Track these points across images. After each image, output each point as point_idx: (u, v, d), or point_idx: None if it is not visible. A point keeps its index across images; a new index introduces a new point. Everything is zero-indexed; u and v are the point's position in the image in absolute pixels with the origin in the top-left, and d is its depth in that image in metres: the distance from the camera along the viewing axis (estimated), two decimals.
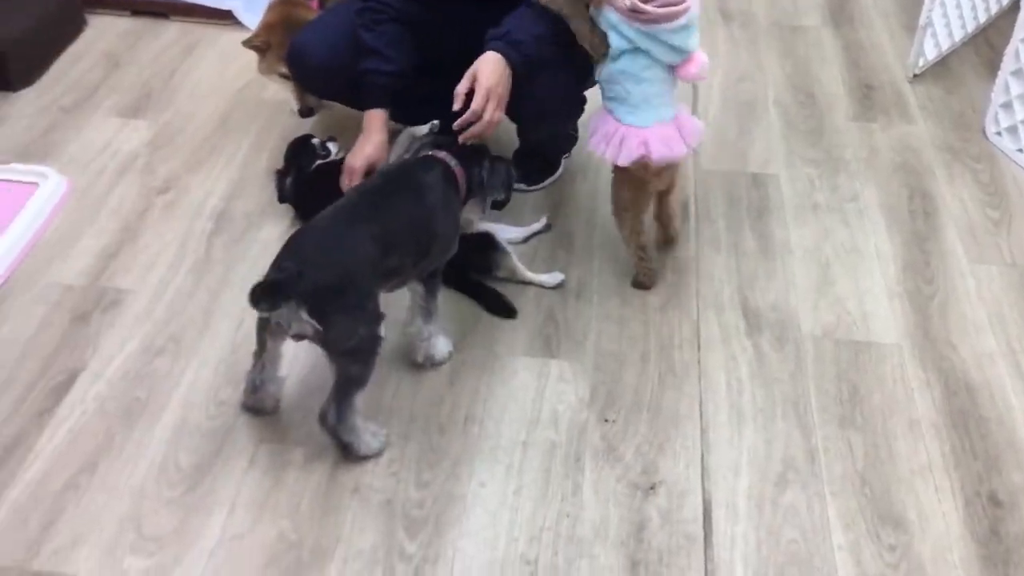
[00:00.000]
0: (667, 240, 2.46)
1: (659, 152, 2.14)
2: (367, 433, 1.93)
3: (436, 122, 2.30)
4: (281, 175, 2.48)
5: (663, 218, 2.41)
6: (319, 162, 2.45)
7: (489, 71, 2.11)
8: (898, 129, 2.92)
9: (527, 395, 2.10)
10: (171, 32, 3.29)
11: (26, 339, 2.18)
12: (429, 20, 2.29)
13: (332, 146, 2.50)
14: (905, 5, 3.51)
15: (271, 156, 2.72)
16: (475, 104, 2.09)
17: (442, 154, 2.09)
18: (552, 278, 2.37)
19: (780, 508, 1.89)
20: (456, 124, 2.13)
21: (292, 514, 1.86)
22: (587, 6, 2.11)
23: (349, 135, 2.63)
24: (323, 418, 1.89)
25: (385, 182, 2.04)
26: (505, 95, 2.13)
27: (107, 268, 2.38)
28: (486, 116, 2.11)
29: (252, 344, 2.18)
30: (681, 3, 2.06)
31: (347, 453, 1.93)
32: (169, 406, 2.06)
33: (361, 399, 1.89)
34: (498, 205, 2.27)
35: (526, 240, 2.48)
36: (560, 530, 1.85)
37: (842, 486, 1.92)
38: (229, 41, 3.22)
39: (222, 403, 2.07)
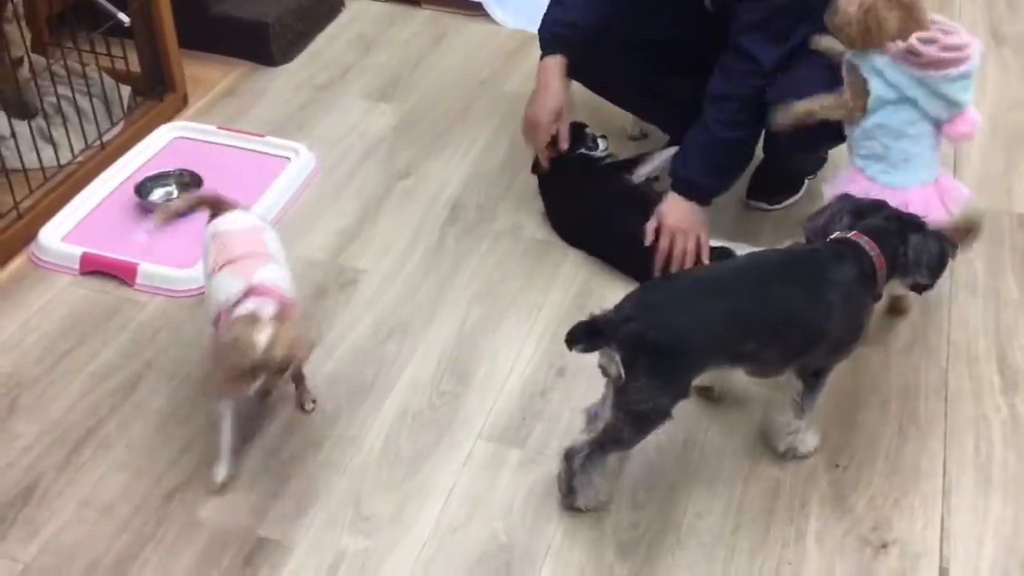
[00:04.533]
0: (893, 311, 2.20)
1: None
2: (592, 488, 1.81)
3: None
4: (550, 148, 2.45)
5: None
6: (582, 150, 2.43)
7: (672, 215, 2.22)
8: None
9: (751, 427, 2.01)
10: (421, 19, 3.36)
11: None
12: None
13: (602, 143, 2.47)
14: None
15: (508, 149, 2.74)
16: (661, 243, 2.22)
17: (863, 240, 1.79)
18: None
19: None
20: (656, 268, 2.24)
21: (505, 515, 1.85)
22: None
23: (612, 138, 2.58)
24: (568, 456, 1.78)
25: (785, 264, 1.80)
26: (696, 227, 2.21)
27: (346, 247, 2.45)
28: (677, 248, 2.21)
29: (478, 340, 2.21)
30: (965, 49, 1.88)
31: (564, 495, 1.83)
32: (394, 390, 2.10)
33: (614, 460, 1.80)
34: (919, 288, 1.89)
35: None
36: None
37: None
38: (476, 32, 3.26)
39: (444, 394, 2.09)
